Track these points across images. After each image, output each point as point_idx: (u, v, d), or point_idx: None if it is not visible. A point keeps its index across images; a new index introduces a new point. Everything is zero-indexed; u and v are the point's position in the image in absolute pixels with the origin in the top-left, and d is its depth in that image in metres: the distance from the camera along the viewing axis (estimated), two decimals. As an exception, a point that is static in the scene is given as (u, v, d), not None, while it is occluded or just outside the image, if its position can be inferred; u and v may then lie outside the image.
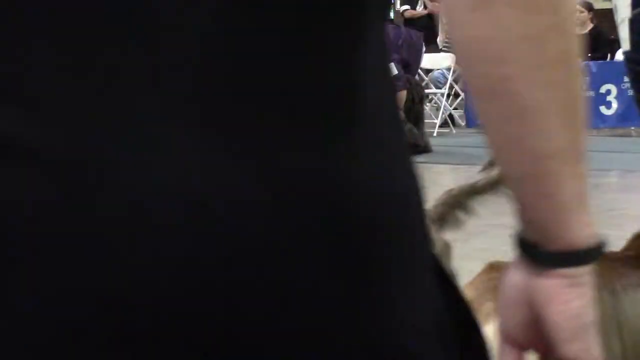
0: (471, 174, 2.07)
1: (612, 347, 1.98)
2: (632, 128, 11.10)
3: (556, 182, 0.78)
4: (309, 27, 0.72)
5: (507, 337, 0.87)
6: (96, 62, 0.69)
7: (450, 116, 11.89)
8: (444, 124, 11.61)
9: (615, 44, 10.39)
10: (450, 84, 12.00)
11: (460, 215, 2.04)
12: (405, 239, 0.77)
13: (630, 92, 8.78)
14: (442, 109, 11.73)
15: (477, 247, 3.92)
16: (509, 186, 0.81)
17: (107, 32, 0.69)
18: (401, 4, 13.17)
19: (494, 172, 1.93)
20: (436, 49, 13.64)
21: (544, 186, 0.78)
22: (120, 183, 0.68)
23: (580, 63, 0.76)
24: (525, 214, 0.81)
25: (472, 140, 9.44)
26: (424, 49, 11.38)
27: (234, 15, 0.70)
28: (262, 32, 0.71)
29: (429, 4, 14.74)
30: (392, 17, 12.07)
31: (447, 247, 2.05)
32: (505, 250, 0.93)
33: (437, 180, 6.28)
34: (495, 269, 2.02)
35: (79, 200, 0.68)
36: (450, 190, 2.05)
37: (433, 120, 11.45)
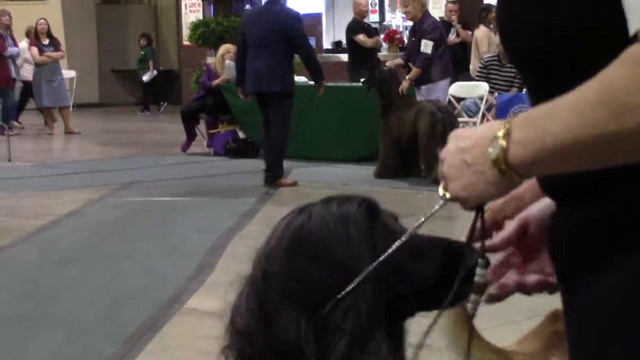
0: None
1: None
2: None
3: None
4: None
5: None
6: None
7: (482, 145, 11.70)
8: (475, 153, 11.41)
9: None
10: (483, 113, 11.83)
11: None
12: None
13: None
14: (474, 138, 11.54)
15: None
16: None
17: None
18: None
19: None
20: (468, 77, 13.48)
21: None
22: None
23: None
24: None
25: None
26: None
27: None
28: None
29: (461, 32, 14.61)
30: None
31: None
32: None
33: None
34: (558, 318, 1.87)
35: None
36: None
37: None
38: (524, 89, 12.49)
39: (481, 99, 11.99)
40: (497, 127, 1.31)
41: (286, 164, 11.38)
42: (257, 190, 9.80)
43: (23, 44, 17.56)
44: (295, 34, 9.79)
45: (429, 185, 9.91)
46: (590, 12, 1.28)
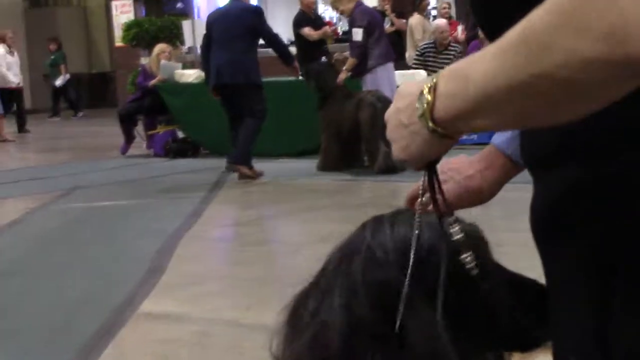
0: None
1: None
2: None
3: None
4: None
5: None
6: None
7: (423, 133, 11.75)
8: (416, 142, 11.48)
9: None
10: (422, 101, 11.86)
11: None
12: None
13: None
14: (414, 126, 11.59)
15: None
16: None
17: None
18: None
19: None
20: (405, 66, 13.52)
21: None
22: None
23: None
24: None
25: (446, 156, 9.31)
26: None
27: None
28: None
29: (395, 21, 14.65)
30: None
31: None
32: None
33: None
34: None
35: None
36: None
37: (406, 138, 11.34)
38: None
39: (419, 87, 11.99)
40: (427, 81, 1.25)
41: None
42: (201, 189, 9.72)
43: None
44: (261, 27, 10.28)
45: (373, 175, 9.92)
46: None
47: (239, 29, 10.04)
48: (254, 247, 7.17)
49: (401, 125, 1.30)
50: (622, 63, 1.05)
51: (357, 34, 11.01)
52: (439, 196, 1.41)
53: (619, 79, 1.08)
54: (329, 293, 1.45)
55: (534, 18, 1.11)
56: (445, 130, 1.23)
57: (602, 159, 1.26)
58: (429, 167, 1.38)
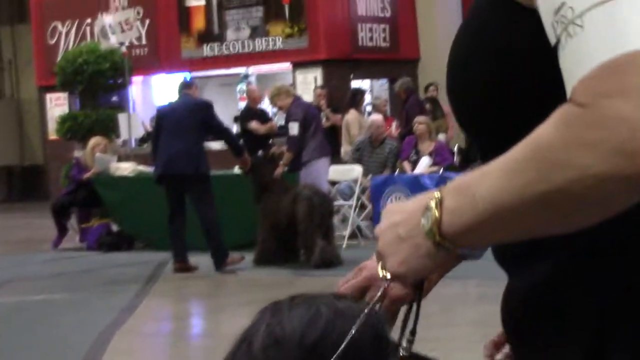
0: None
1: None
2: None
3: None
4: None
5: None
6: None
7: (359, 228, 11.80)
8: (352, 236, 11.53)
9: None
10: (358, 196, 11.95)
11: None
12: None
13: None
14: (350, 220, 11.64)
15: None
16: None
17: None
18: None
19: None
20: (339, 161, 13.63)
21: None
22: None
23: None
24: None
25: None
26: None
27: None
28: None
29: (331, 116, 14.81)
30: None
31: None
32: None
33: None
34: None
35: None
36: None
37: (342, 232, 11.40)
38: (396, 171, 12.74)
39: (355, 181, 12.12)
40: (430, 197, 1.27)
41: (163, 255, 11.23)
42: (134, 282, 9.60)
43: None
44: (212, 121, 10.45)
45: (310, 269, 9.89)
46: (531, 75, 1.27)
47: (191, 123, 10.20)
48: (189, 342, 7.08)
49: (398, 239, 1.29)
50: (636, 175, 1.10)
51: (293, 128, 11.11)
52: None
53: (633, 190, 1.12)
54: None
55: (542, 134, 1.15)
56: (452, 244, 1.24)
57: (567, 254, 1.29)
58: (420, 286, 1.39)
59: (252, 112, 14.24)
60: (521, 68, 1.29)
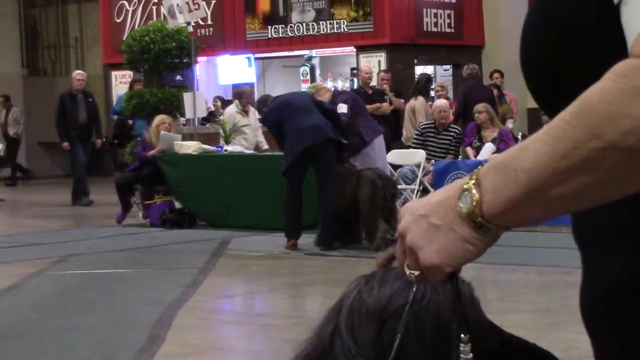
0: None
1: None
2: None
3: None
4: None
5: None
6: None
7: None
8: (413, 220, 11.52)
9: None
10: (420, 180, 11.95)
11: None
12: None
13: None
14: (412, 205, 11.64)
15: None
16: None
17: None
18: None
19: None
20: (402, 145, 13.63)
21: None
22: None
23: None
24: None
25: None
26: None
27: None
28: None
29: (394, 101, 14.80)
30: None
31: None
32: None
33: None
34: None
35: None
36: None
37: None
38: (459, 157, 12.69)
39: (418, 166, 12.11)
40: (462, 183, 1.22)
41: (224, 233, 11.34)
42: (197, 260, 9.72)
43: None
44: (323, 103, 10.69)
45: (371, 252, 9.93)
46: (604, 47, 1.23)
47: (310, 104, 10.39)
48: (252, 320, 7.17)
49: (431, 227, 1.24)
50: None
51: (342, 107, 11.17)
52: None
53: None
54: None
55: (593, 90, 1.10)
56: (494, 225, 1.20)
57: None
58: (455, 275, 1.31)
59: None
60: (590, 31, 1.24)
